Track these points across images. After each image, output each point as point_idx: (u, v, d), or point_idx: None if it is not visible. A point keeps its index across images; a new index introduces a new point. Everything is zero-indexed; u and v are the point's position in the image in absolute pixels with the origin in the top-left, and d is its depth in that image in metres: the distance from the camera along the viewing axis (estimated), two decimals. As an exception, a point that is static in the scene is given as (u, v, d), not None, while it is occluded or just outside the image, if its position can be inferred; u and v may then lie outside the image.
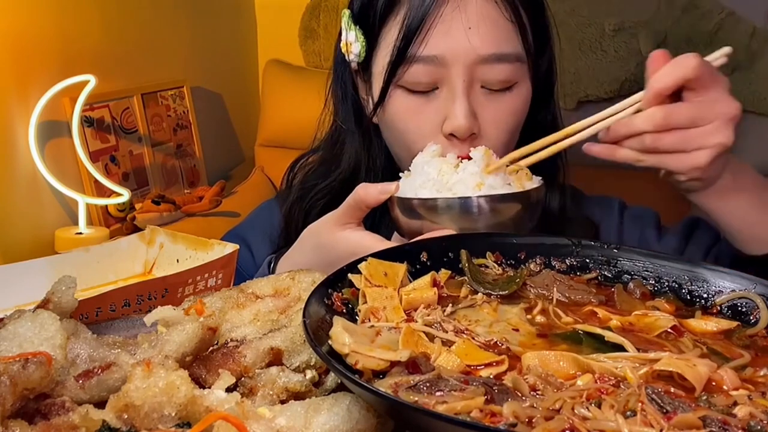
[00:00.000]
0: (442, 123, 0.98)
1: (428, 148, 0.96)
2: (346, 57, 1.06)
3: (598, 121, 0.89)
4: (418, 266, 0.75)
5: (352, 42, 1.04)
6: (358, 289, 0.69)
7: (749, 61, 2.04)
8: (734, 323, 0.69)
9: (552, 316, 0.69)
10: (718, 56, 0.87)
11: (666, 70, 0.84)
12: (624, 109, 0.88)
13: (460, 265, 0.76)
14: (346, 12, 1.05)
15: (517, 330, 0.67)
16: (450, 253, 0.77)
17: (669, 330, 0.67)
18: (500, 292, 0.72)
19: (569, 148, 0.92)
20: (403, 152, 1.04)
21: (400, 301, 0.68)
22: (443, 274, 0.74)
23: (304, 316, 0.60)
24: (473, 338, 0.64)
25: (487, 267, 0.78)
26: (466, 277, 0.74)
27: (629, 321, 0.69)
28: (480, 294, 0.72)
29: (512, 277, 0.75)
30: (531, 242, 0.82)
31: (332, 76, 1.14)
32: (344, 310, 0.66)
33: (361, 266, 0.70)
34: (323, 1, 2.36)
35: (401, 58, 0.97)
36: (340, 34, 1.09)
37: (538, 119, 1.09)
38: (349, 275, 0.70)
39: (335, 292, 0.67)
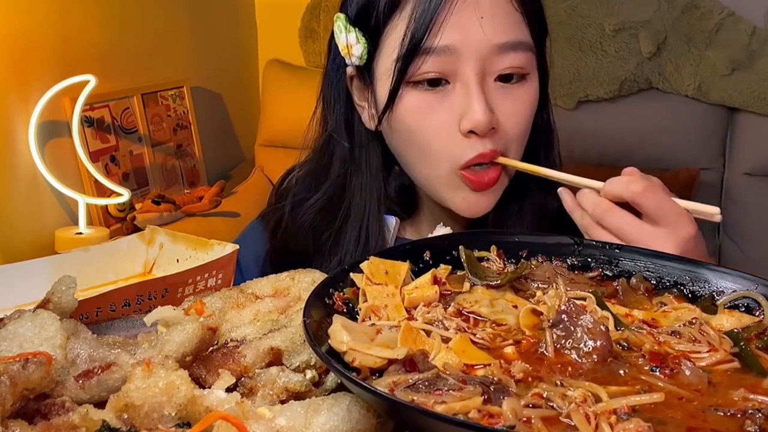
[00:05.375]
0: (458, 121, 0.95)
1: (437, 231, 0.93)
2: (347, 60, 1.03)
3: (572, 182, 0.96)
4: (421, 265, 0.75)
5: (353, 44, 1.00)
6: (359, 289, 0.69)
7: (749, 61, 2.04)
8: (755, 318, 0.69)
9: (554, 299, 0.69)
10: (706, 212, 0.88)
11: (613, 182, 0.89)
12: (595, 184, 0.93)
13: (461, 260, 0.76)
14: (341, 15, 1.02)
15: (515, 306, 0.68)
16: (453, 252, 0.77)
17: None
18: (500, 283, 0.72)
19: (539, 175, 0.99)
20: (417, 154, 1.01)
21: (402, 300, 0.68)
22: (443, 269, 0.74)
23: (304, 315, 0.60)
24: (476, 325, 0.65)
25: (488, 260, 0.78)
26: (466, 272, 0.74)
27: (652, 317, 0.69)
28: (480, 287, 0.72)
29: (514, 272, 0.75)
30: (533, 241, 0.81)
31: (324, 82, 1.11)
32: (345, 310, 0.66)
33: (363, 265, 0.70)
34: (323, 0, 2.36)
35: (412, 52, 0.94)
36: (331, 38, 1.06)
37: (535, 119, 1.08)
38: (351, 274, 0.70)
39: (336, 291, 0.67)
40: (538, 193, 1.09)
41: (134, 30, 1.95)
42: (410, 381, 0.53)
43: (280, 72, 2.36)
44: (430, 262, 0.76)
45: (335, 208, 1.08)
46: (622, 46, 2.10)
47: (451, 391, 0.51)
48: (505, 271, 0.76)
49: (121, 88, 1.90)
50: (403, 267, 0.72)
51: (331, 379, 0.65)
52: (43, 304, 0.69)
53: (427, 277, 0.72)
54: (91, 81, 1.65)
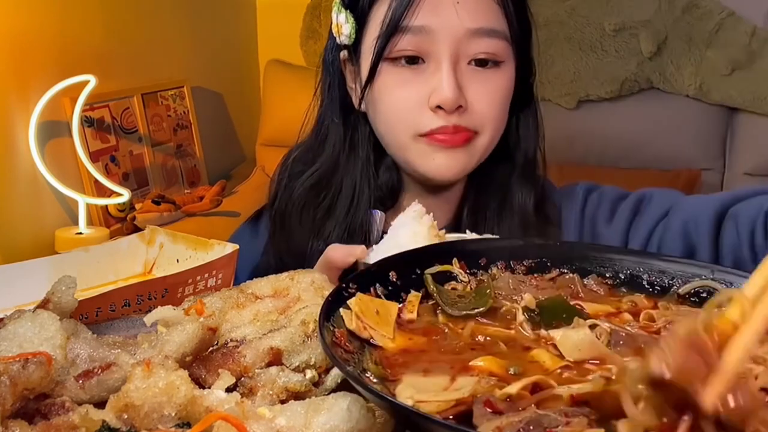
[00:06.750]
0: (428, 96, 1.00)
1: (411, 208, 0.93)
2: (337, 39, 1.09)
3: None
4: (390, 288, 0.71)
5: (343, 23, 1.06)
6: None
7: (749, 61, 2.04)
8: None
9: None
10: None
11: None
12: None
13: (428, 291, 0.72)
14: (337, 1, 1.09)
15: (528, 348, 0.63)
16: (417, 269, 0.74)
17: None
18: (478, 310, 0.69)
19: None
20: (388, 125, 1.05)
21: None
22: (413, 297, 0.71)
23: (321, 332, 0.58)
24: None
25: (453, 276, 0.75)
26: (438, 302, 0.70)
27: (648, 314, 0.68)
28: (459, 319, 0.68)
29: (480, 290, 0.72)
30: (490, 246, 0.80)
31: (322, 68, 1.16)
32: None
33: (351, 302, 0.65)
34: (324, 0, 2.36)
35: (390, 30, 1.00)
36: (331, 27, 1.12)
37: (519, 115, 1.09)
38: (341, 310, 0.64)
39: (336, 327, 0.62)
40: (515, 188, 1.09)
41: (134, 30, 1.95)
42: (517, 423, 0.49)
43: (280, 72, 2.36)
44: (398, 283, 0.72)
45: (327, 185, 1.11)
46: (622, 45, 2.10)
47: (560, 427, 0.48)
48: (469, 285, 0.74)
49: (121, 88, 1.90)
50: (393, 308, 0.68)
51: (331, 379, 0.65)
52: (43, 304, 0.69)
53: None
54: (91, 81, 1.65)
